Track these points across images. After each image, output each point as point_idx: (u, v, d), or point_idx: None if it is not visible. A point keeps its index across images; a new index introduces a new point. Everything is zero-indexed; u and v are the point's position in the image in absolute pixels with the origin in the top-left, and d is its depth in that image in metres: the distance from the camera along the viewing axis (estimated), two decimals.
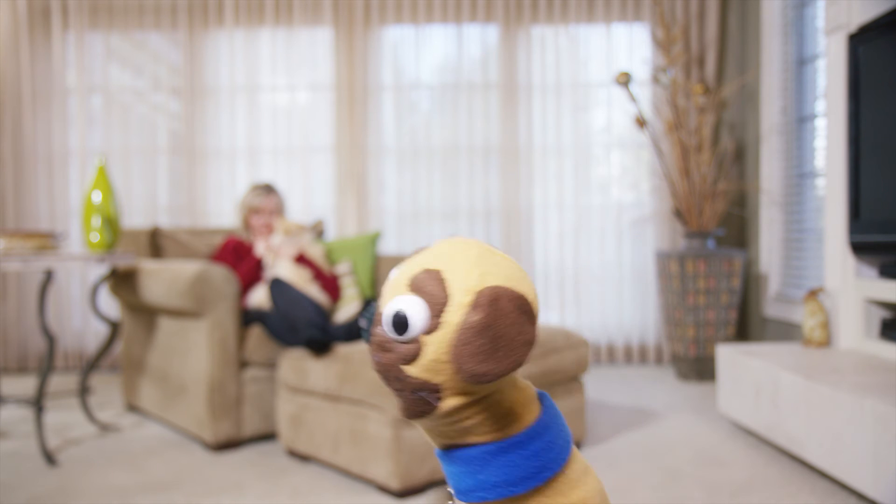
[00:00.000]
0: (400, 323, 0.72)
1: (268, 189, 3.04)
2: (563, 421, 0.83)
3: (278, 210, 3.04)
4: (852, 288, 2.52)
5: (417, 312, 0.72)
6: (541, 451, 0.77)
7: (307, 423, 2.25)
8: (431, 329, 0.72)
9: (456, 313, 0.71)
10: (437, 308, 0.72)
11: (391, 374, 0.75)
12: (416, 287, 0.73)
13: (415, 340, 0.72)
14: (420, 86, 4.09)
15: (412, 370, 0.73)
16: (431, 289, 0.73)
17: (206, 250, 3.12)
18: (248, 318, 2.63)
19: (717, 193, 3.63)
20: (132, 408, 3.04)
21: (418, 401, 0.75)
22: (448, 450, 0.79)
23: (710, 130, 3.71)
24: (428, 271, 0.73)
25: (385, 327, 0.74)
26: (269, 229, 3.00)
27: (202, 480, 2.15)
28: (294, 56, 4.06)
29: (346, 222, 4.05)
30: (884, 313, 2.47)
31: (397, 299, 0.73)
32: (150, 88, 4.07)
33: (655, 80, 3.81)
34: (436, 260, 0.75)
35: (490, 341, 0.69)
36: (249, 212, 3.01)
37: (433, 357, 0.72)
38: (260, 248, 2.90)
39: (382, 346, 0.74)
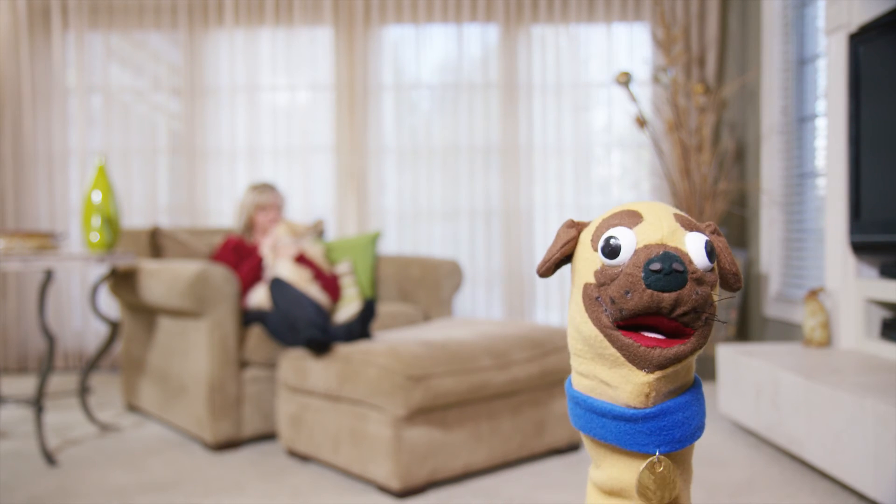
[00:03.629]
0: (711, 253, 0.79)
1: (268, 186, 3.06)
2: None
3: (281, 205, 3.06)
4: (853, 288, 2.52)
5: (708, 245, 0.79)
6: (704, 403, 0.87)
7: (307, 423, 2.25)
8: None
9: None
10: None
11: (707, 304, 0.78)
12: (690, 224, 0.81)
13: (713, 268, 0.80)
14: (420, 86, 4.09)
15: (715, 295, 0.81)
16: (697, 224, 0.82)
17: (206, 250, 3.11)
18: (248, 318, 2.63)
19: (718, 193, 3.62)
20: (132, 408, 3.04)
21: (714, 326, 0.83)
22: (658, 404, 0.82)
23: (711, 130, 3.71)
24: (677, 214, 0.82)
25: (697, 261, 0.78)
26: (275, 224, 3.00)
27: (202, 480, 2.15)
28: (294, 56, 4.06)
29: (347, 222, 4.05)
30: (884, 313, 2.46)
31: (693, 236, 0.79)
32: (150, 88, 4.07)
33: (656, 79, 3.81)
34: (655, 207, 0.83)
35: None
36: (256, 209, 3.01)
37: (718, 280, 0.83)
38: (265, 246, 2.90)
39: (700, 280, 0.77)
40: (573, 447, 2.39)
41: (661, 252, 0.75)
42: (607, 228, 0.80)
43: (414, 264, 3.22)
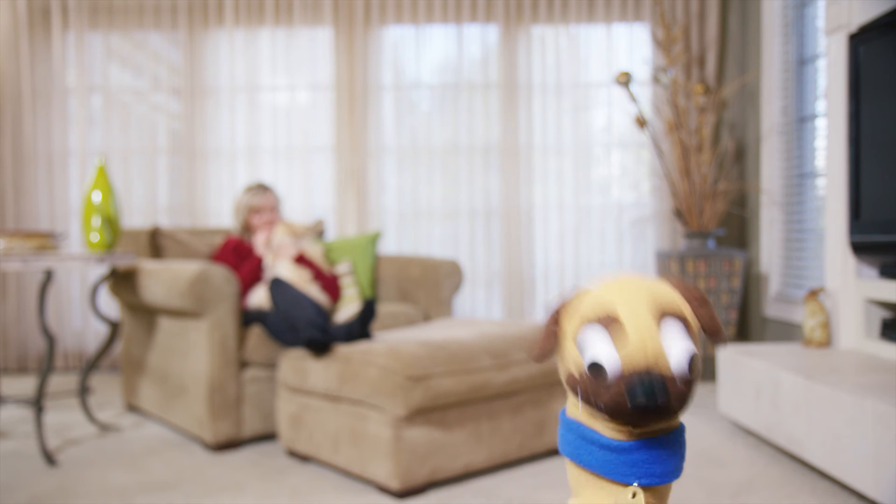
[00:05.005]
0: (693, 363, 0.85)
1: (263, 188, 3.05)
2: None
3: (276, 207, 3.05)
4: (853, 288, 2.52)
5: (690, 357, 0.85)
6: (685, 448, 0.93)
7: (307, 424, 2.25)
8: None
9: (692, 317, 0.90)
10: (690, 325, 0.88)
11: (686, 403, 0.86)
12: (672, 312, 0.86)
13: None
14: (420, 86, 4.09)
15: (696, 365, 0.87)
16: (678, 309, 0.88)
17: (207, 250, 3.11)
18: (248, 318, 2.63)
19: (718, 193, 3.63)
20: (132, 408, 3.04)
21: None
22: (642, 438, 0.89)
23: (711, 130, 3.71)
24: (659, 306, 0.87)
25: (680, 368, 0.84)
26: (271, 226, 3.00)
27: (202, 480, 2.15)
28: (294, 56, 4.06)
29: (347, 222, 4.05)
30: (884, 313, 2.47)
31: (676, 351, 0.84)
32: (150, 88, 4.07)
33: (656, 80, 3.81)
34: (634, 307, 0.87)
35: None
36: (250, 212, 3.01)
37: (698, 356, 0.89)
38: (260, 245, 2.90)
39: (681, 395, 0.84)
40: None
41: (647, 380, 0.81)
42: (591, 336, 0.86)
43: (414, 264, 3.22)
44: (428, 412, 2.02)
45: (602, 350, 0.83)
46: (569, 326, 0.89)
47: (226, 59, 4.05)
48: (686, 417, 2.81)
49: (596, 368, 0.84)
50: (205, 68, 4.05)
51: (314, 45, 4.06)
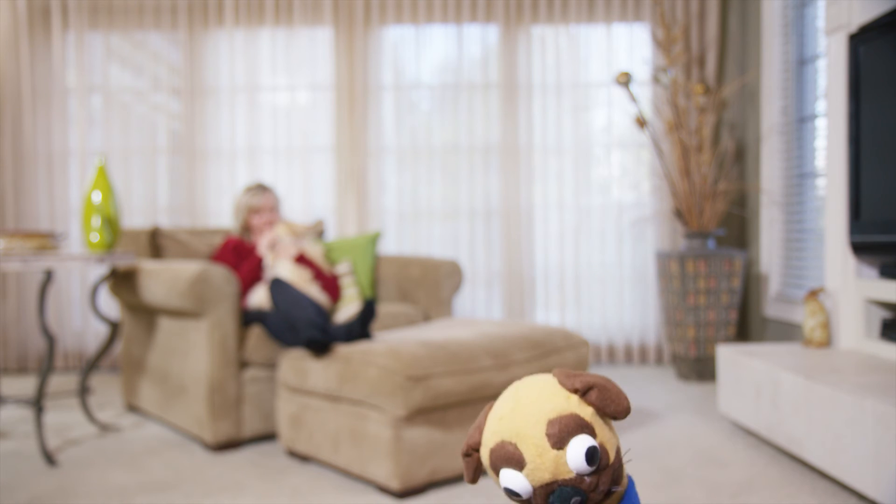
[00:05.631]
0: (593, 453, 0.90)
1: (262, 188, 3.05)
2: None
3: (275, 207, 3.05)
4: (853, 288, 2.52)
5: (588, 451, 0.90)
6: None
7: (307, 424, 2.25)
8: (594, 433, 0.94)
9: (582, 408, 0.95)
10: (583, 417, 0.94)
11: (604, 489, 0.92)
12: (564, 430, 0.91)
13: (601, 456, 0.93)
14: (420, 86, 4.09)
15: (611, 467, 0.93)
16: (569, 416, 0.93)
17: (207, 250, 3.12)
18: (248, 318, 2.63)
19: (718, 193, 3.63)
20: (132, 408, 3.04)
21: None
22: None
23: (711, 130, 3.71)
24: (549, 422, 0.91)
25: (583, 469, 0.89)
26: (271, 226, 3.00)
27: (202, 481, 2.15)
28: (294, 56, 4.06)
29: (347, 222, 4.05)
30: (884, 313, 2.47)
31: (573, 454, 0.89)
32: (150, 88, 4.07)
33: (656, 80, 3.81)
34: (525, 429, 0.92)
35: None
36: (249, 212, 3.01)
37: (610, 442, 0.95)
38: (261, 246, 2.90)
39: (593, 485, 0.90)
40: None
41: (556, 490, 0.88)
42: (498, 465, 0.92)
43: (414, 264, 3.22)
44: (428, 412, 2.02)
45: (509, 477, 0.91)
46: (483, 455, 0.96)
47: (226, 60, 4.05)
48: (686, 417, 2.81)
49: (511, 492, 0.91)
50: (205, 68, 4.05)
51: (314, 45, 4.06)
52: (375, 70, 4.05)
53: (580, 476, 0.88)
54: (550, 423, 0.90)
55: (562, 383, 0.95)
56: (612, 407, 0.94)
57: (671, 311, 3.52)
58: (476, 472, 1.00)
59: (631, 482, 0.99)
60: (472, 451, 0.99)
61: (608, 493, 0.92)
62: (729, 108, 3.91)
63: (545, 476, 0.89)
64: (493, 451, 0.93)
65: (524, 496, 0.91)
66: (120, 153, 4.02)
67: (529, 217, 4.04)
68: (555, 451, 0.89)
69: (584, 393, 0.94)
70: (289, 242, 2.90)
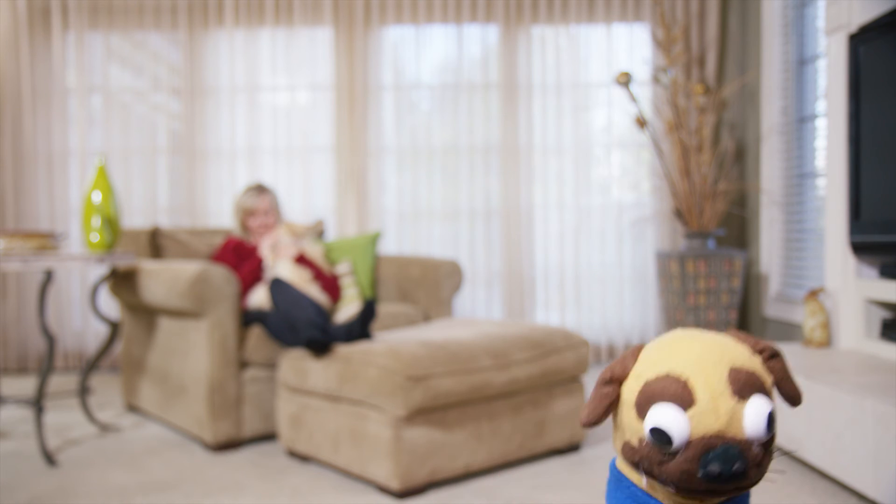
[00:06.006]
0: (772, 421, 0.77)
1: (259, 189, 3.04)
2: None
3: (272, 208, 3.03)
4: (853, 288, 2.52)
5: (770, 416, 0.77)
6: None
7: (307, 424, 2.25)
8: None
9: (765, 374, 0.82)
10: (765, 384, 0.82)
11: (766, 471, 0.79)
12: (747, 379, 0.77)
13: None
14: (420, 86, 4.09)
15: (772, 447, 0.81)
16: (754, 371, 0.80)
17: (207, 250, 3.12)
18: (248, 318, 2.63)
19: (718, 193, 3.62)
20: (132, 408, 3.04)
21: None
22: None
23: (711, 130, 3.71)
24: (733, 371, 0.77)
25: (757, 435, 0.75)
26: (267, 228, 2.99)
27: (202, 481, 2.15)
28: (294, 56, 4.06)
29: (347, 222, 4.05)
30: (884, 313, 2.46)
31: (753, 410, 0.75)
32: (150, 88, 4.07)
33: (656, 80, 3.81)
34: (706, 369, 0.78)
35: None
36: (245, 214, 3.01)
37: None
38: (263, 248, 2.90)
39: (760, 463, 0.76)
40: (573, 447, 2.39)
41: (719, 447, 0.71)
42: (653, 400, 0.75)
43: (414, 264, 3.22)
44: (428, 412, 2.02)
45: (667, 414, 0.73)
46: (626, 389, 0.80)
47: (226, 60, 4.05)
48: None
49: (659, 435, 0.74)
50: (205, 68, 4.05)
51: (314, 45, 4.06)
52: (375, 70, 4.05)
53: (750, 441, 0.73)
54: (735, 370, 0.74)
55: (744, 341, 0.81)
56: (789, 386, 0.81)
57: (671, 311, 3.52)
58: (608, 409, 0.83)
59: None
60: (614, 382, 0.82)
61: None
62: (729, 108, 3.91)
63: (713, 425, 0.72)
64: (650, 384, 0.76)
65: (675, 443, 0.73)
66: (120, 153, 4.02)
67: (529, 217, 4.04)
68: (733, 402, 0.73)
69: (769, 357, 0.80)
70: (289, 243, 2.90)
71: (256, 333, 2.57)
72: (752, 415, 0.73)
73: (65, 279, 3.99)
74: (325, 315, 2.45)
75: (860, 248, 2.46)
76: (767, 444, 0.74)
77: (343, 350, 2.16)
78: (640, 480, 0.81)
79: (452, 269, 3.15)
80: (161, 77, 4.06)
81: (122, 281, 2.83)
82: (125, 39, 4.06)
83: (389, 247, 4.03)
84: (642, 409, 0.76)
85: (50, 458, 2.30)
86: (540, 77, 4.04)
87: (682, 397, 0.74)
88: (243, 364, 2.55)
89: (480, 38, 4.07)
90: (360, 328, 2.26)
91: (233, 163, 4.04)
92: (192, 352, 2.55)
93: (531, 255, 4.04)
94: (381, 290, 3.29)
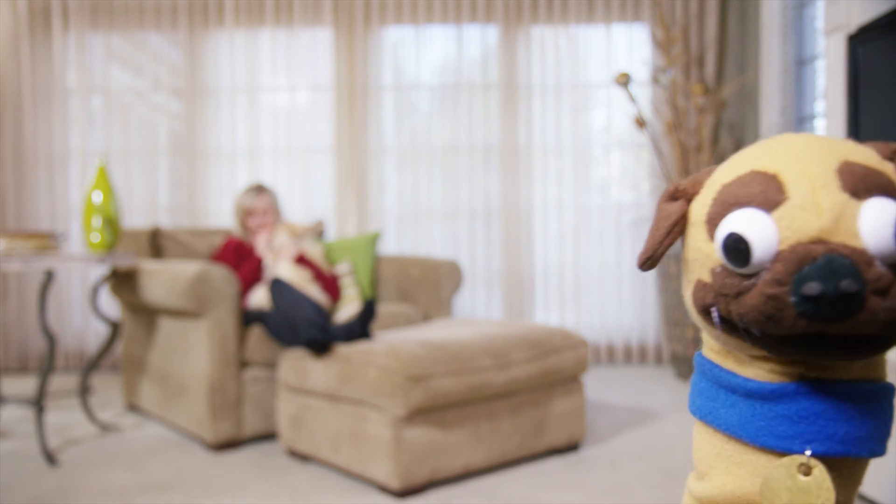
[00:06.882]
0: None
1: (258, 189, 3.05)
2: None
3: (271, 208, 3.04)
4: None
5: None
6: (892, 416, 0.59)
7: (307, 423, 2.25)
8: None
9: None
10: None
11: None
12: (869, 177, 0.53)
13: None
14: (420, 86, 4.10)
15: None
16: (881, 171, 0.56)
17: (207, 250, 3.12)
18: (248, 318, 2.63)
19: None
20: (133, 408, 3.04)
21: None
22: (828, 383, 0.56)
23: (710, 131, 3.71)
24: (845, 164, 0.54)
25: (883, 249, 0.50)
26: (266, 228, 3.00)
27: (202, 480, 2.16)
28: (294, 56, 4.06)
29: (347, 222, 4.05)
30: None
31: (873, 210, 0.51)
32: (150, 89, 4.07)
33: (655, 80, 3.82)
34: (804, 158, 0.56)
35: None
36: (244, 214, 3.02)
37: None
38: (260, 246, 2.90)
39: (886, 289, 0.50)
40: (572, 447, 2.40)
41: (820, 258, 0.49)
42: (729, 206, 0.55)
43: (414, 264, 3.22)
44: (428, 412, 2.02)
45: (745, 217, 0.52)
46: (696, 206, 0.59)
47: (226, 60, 4.06)
48: (686, 417, 2.81)
49: (735, 249, 0.52)
50: (205, 69, 4.05)
51: (314, 45, 4.07)
52: (375, 70, 4.05)
53: (869, 255, 0.49)
54: (848, 163, 0.53)
55: (871, 146, 0.57)
56: None
57: (670, 310, 3.53)
58: (670, 233, 0.62)
59: (891, 386, 0.59)
60: (680, 198, 0.62)
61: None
62: (728, 108, 3.92)
63: (811, 226, 0.50)
64: (727, 187, 0.56)
65: (757, 256, 0.51)
66: (120, 153, 4.03)
67: (529, 217, 4.05)
68: (843, 196, 0.51)
69: None
70: (289, 243, 2.91)
71: (257, 333, 2.58)
72: (873, 216, 0.50)
73: (65, 279, 4.00)
74: (325, 315, 2.46)
75: None
76: None
77: (343, 350, 2.16)
78: (721, 353, 0.59)
79: (452, 270, 3.16)
80: (161, 77, 4.07)
81: (123, 281, 2.84)
82: (125, 40, 4.06)
83: (389, 247, 4.04)
84: (714, 221, 0.55)
85: (50, 458, 2.30)
86: (539, 77, 4.04)
87: (768, 195, 0.52)
88: (243, 364, 2.56)
89: (480, 38, 4.07)
90: (360, 328, 2.27)
91: (233, 163, 4.04)
92: (192, 352, 2.55)
93: (530, 256, 4.05)
94: (380, 290, 3.30)
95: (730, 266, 0.54)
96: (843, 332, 0.49)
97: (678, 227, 0.62)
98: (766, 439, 0.56)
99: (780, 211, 0.52)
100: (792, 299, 0.50)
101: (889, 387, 0.58)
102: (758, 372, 0.57)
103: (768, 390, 0.56)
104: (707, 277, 0.56)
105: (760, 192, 0.53)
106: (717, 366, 0.61)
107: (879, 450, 0.57)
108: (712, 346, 0.62)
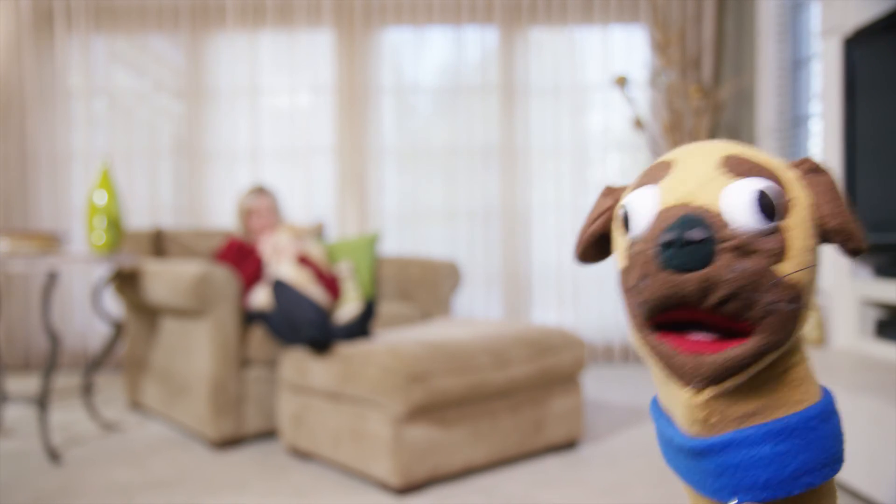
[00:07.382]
0: (767, 207, 0.55)
1: (260, 190, 3.07)
2: None
3: (272, 209, 3.06)
4: (847, 288, 2.55)
5: (776, 191, 0.56)
6: (835, 436, 0.58)
7: (308, 422, 2.28)
8: (786, 210, 0.57)
9: (796, 185, 0.59)
10: (783, 185, 0.58)
11: (762, 284, 0.54)
12: (750, 169, 0.56)
13: (776, 229, 0.55)
14: (420, 88, 4.12)
15: (786, 268, 0.55)
16: (769, 166, 0.58)
17: (209, 251, 3.14)
18: (250, 318, 2.66)
19: None
20: (135, 406, 3.07)
21: (792, 316, 0.56)
22: (728, 433, 0.57)
23: (707, 132, 3.73)
24: (731, 158, 0.58)
25: (740, 220, 0.54)
26: (268, 229, 3.02)
27: (204, 478, 2.18)
28: (295, 58, 4.09)
29: (347, 223, 4.07)
30: (878, 313, 2.49)
31: (737, 186, 0.55)
32: (152, 91, 4.10)
33: (652, 83, 3.84)
34: (700, 151, 0.61)
35: (842, 199, 0.59)
36: (246, 215, 3.05)
37: (801, 244, 0.56)
38: (262, 247, 2.92)
39: (742, 249, 0.54)
40: (570, 445, 2.42)
41: (677, 217, 0.54)
42: (631, 190, 0.62)
43: (413, 265, 3.25)
44: (427, 411, 2.04)
45: (636, 193, 0.59)
46: (625, 196, 0.65)
47: (227, 62, 4.08)
48: None
49: (624, 220, 0.60)
50: (207, 70, 4.08)
51: (315, 47, 4.09)
52: (375, 72, 4.08)
53: (724, 218, 0.54)
54: (737, 156, 0.58)
55: (759, 160, 0.60)
56: (841, 220, 0.58)
57: None
58: (599, 216, 0.68)
59: (828, 397, 0.61)
60: (611, 195, 0.68)
61: (768, 312, 0.54)
62: (725, 110, 3.94)
63: (678, 192, 0.56)
64: (640, 176, 0.64)
65: (641, 225, 0.58)
66: (123, 155, 4.05)
67: (527, 218, 4.07)
68: (714, 173, 0.56)
69: (809, 170, 0.60)
70: (290, 244, 2.93)
71: (258, 333, 2.60)
72: (737, 190, 0.55)
73: (69, 279, 4.02)
74: (325, 315, 2.48)
75: None
76: (765, 246, 0.54)
77: (344, 349, 2.19)
78: (631, 328, 0.63)
79: (451, 270, 3.18)
80: (163, 79, 4.09)
81: (126, 281, 2.86)
82: (128, 42, 4.09)
83: (389, 247, 4.06)
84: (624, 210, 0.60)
85: (54, 456, 2.33)
86: (538, 79, 4.07)
87: (657, 174, 0.59)
88: (245, 363, 2.58)
89: (479, 40, 4.09)
90: (361, 327, 2.29)
91: (234, 164, 4.07)
92: (194, 351, 2.57)
93: (529, 256, 4.07)
94: (381, 290, 3.32)
95: (627, 238, 0.60)
96: (695, 286, 0.53)
97: (604, 217, 0.68)
98: (703, 490, 0.59)
99: (661, 183, 0.58)
100: (653, 251, 0.55)
101: (818, 410, 0.58)
102: (685, 415, 0.59)
103: (689, 447, 0.58)
104: (624, 261, 0.62)
105: (653, 173, 0.60)
106: (660, 416, 0.64)
107: (817, 480, 0.56)
108: (661, 395, 0.65)
